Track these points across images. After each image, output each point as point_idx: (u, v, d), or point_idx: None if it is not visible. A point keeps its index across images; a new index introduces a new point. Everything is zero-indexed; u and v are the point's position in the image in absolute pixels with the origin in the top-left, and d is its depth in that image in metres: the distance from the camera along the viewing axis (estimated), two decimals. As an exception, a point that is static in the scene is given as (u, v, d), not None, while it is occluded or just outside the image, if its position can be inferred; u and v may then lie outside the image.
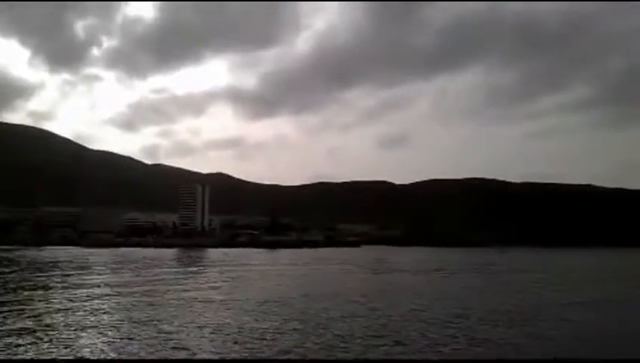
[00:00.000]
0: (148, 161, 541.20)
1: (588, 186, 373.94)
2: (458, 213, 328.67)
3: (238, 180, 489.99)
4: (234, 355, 18.88)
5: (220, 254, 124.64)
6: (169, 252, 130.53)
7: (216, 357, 18.76)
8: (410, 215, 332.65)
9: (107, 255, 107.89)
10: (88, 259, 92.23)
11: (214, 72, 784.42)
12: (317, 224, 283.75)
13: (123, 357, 18.23)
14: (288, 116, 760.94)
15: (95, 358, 17.52)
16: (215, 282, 50.59)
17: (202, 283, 49.02)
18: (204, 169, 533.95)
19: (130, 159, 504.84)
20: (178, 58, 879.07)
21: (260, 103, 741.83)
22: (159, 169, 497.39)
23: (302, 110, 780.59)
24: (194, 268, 74.26)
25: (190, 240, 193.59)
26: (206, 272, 66.50)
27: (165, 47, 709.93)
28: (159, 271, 64.65)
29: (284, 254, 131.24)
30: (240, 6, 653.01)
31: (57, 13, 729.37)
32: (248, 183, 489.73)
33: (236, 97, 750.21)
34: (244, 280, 54.48)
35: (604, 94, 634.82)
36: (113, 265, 76.06)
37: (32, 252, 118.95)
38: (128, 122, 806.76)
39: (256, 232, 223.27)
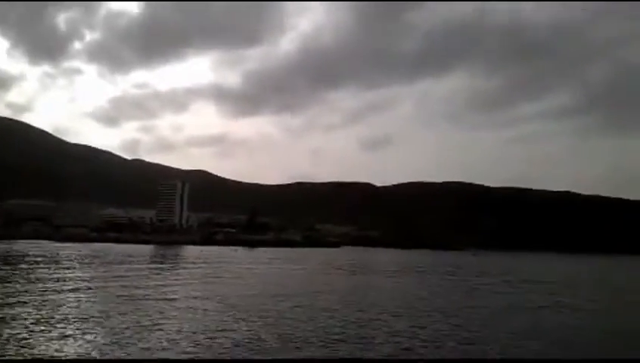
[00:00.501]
0: (128, 156, 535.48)
1: (567, 193, 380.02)
2: (438, 216, 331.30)
3: (219, 178, 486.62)
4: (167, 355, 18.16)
5: (196, 252, 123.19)
6: (144, 249, 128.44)
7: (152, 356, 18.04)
8: (390, 217, 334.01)
9: (78, 250, 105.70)
10: (58, 254, 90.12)
11: (197, 69, 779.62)
12: (297, 223, 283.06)
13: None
14: (271, 116, 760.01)
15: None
16: (178, 280, 49.72)
17: (163, 281, 48.08)
18: (185, 165, 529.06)
19: (109, 153, 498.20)
20: (161, 54, 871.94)
21: (243, 101, 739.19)
22: (138, 164, 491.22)
23: (286, 109, 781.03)
24: (163, 265, 73.08)
25: (167, 237, 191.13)
26: (174, 270, 65.42)
27: (148, 42, 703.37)
28: (127, 268, 63.38)
29: (259, 253, 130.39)
30: (224, 5, 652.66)
31: (39, 5, 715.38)
32: (229, 181, 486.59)
33: (219, 94, 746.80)
34: (210, 278, 53.63)
35: (585, 102, 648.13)
36: (82, 260, 74.39)
37: (1, 246, 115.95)
38: (109, 117, 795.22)
39: (233, 230, 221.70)
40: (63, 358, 16.57)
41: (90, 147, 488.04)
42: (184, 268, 68.29)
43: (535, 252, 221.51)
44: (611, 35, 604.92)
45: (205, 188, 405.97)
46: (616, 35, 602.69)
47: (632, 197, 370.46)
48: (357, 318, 27.65)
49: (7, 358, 16.44)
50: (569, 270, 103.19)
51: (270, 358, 17.30)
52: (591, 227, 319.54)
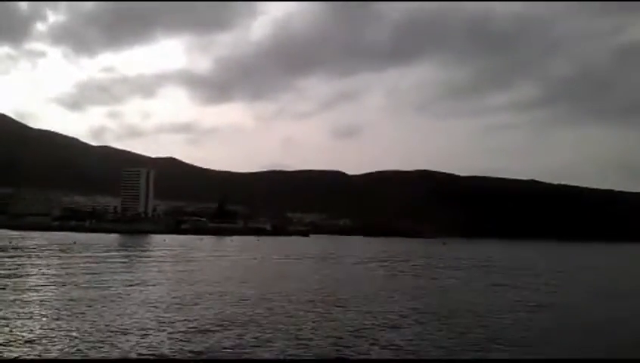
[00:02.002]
0: (94, 143, 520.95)
1: (533, 181, 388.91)
2: (408, 204, 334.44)
3: (189, 165, 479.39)
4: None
5: (157, 241, 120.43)
6: (104, 238, 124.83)
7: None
8: (361, 206, 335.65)
9: (34, 239, 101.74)
10: (10, 243, 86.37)
11: (166, 53, 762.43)
12: (268, 212, 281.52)
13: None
14: (243, 103, 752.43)
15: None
16: (124, 270, 47.66)
17: (101, 271, 45.96)
18: (154, 153, 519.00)
19: (74, 140, 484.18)
20: (128, 37, 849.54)
21: (215, 87, 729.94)
22: (105, 151, 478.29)
23: (258, 96, 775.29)
24: (116, 253, 70.63)
25: (130, 225, 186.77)
26: (124, 259, 63.10)
27: (115, 24, 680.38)
28: (76, 256, 60.83)
29: (225, 242, 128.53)
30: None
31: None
32: (199, 169, 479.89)
33: (189, 80, 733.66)
34: (162, 267, 51.78)
35: (549, 94, 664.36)
36: (32, 250, 71.23)
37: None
38: (75, 102, 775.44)
39: (202, 219, 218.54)
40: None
41: (54, 132, 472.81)
42: (133, 258, 65.96)
43: (503, 240, 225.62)
44: (572, 32, 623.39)
45: (174, 176, 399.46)
46: (577, 32, 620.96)
47: (593, 186, 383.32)
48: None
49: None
50: (533, 257, 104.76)
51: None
52: (555, 214, 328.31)
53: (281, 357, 16.64)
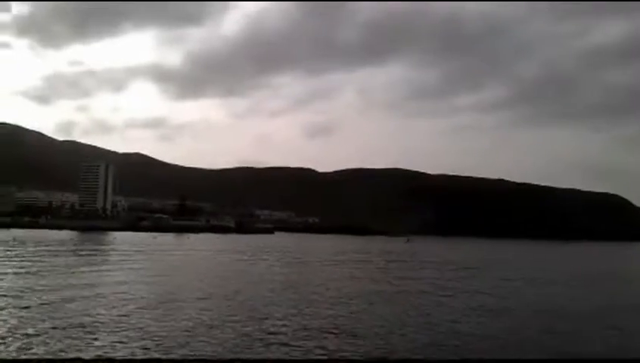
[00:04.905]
0: (61, 138, 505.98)
1: (499, 180, 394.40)
2: (377, 202, 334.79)
3: (158, 161, 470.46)
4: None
5: (107, 239, 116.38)
6: (56, 235, 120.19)
7: None
8: (330, 203, 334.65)
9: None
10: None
11: (136, 46, 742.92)
12: (236, 209, 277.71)
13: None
14: (215, 99, 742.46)
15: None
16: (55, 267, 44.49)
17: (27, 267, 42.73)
18: (123, 148, 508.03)
19: (38, 134, 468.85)
20: (97, 29, 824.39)
21: (186, 83, 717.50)
22: (71, 146, 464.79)
23: (230, 93, 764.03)
24: (54, 249, 66.99)
25: (87, 222, 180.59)
26: (60, 257, 59.70)
27: (82, 16, 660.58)
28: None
29: (181, 240, 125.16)
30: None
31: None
32: (169, 165, 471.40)
33: (160, 74, 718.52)
34: (100, 266, 48.72)
35: (516, 95, 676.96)
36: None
37: None
38: (41, 96, 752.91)
39: (164, 216, 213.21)
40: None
41: (16, 126, 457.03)
42: (84, 257, 62.59)
43: (469, 238, 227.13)
44: (539, 35, 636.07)
45: (142, 172, 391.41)
46: (543, 34, 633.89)
47: (556, 185, 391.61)
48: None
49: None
50: (486, 255, 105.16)
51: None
52: (521, 213, 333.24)
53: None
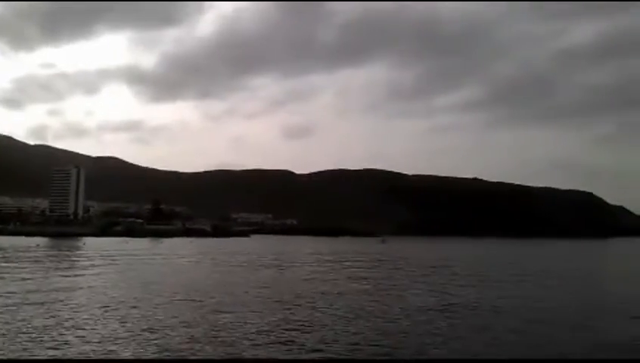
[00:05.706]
0: (32, 142, 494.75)
1: (475, 179, 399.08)
2: (355, 203, 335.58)
3: (133, 165, 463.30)
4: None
5: (75, 244, 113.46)
6: (19, 241, 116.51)
7: None
8: (307, 205, 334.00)
9: None
10: None
11: (110, 48, 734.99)
12: (213, 212, 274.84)
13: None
14: (191, 101, 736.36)
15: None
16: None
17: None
18: (96, 152, 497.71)
19: (9, 138, 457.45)
20: (68, 31, 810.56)
21: (161, 85, 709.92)
22: (43, 150, 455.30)
23: (206, 95, 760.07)
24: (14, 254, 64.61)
25: (58, 228, 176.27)
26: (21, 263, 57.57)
27: (54, 17, 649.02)
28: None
29: (153, 245, 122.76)
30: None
31: None
32: (144, 169, 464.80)
33: (134, 77, 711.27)
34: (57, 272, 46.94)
35: (492, 96, 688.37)
36: None
37: None
38: (12, 99, 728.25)
39: (138, 221, 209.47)
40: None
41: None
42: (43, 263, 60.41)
43: (447, 238, 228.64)
44: (516, 36, 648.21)
45: (116, 176, 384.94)
46: (520, 35, 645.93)
47: (533, 184, 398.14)
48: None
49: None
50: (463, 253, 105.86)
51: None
52: (497, 212, 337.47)
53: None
